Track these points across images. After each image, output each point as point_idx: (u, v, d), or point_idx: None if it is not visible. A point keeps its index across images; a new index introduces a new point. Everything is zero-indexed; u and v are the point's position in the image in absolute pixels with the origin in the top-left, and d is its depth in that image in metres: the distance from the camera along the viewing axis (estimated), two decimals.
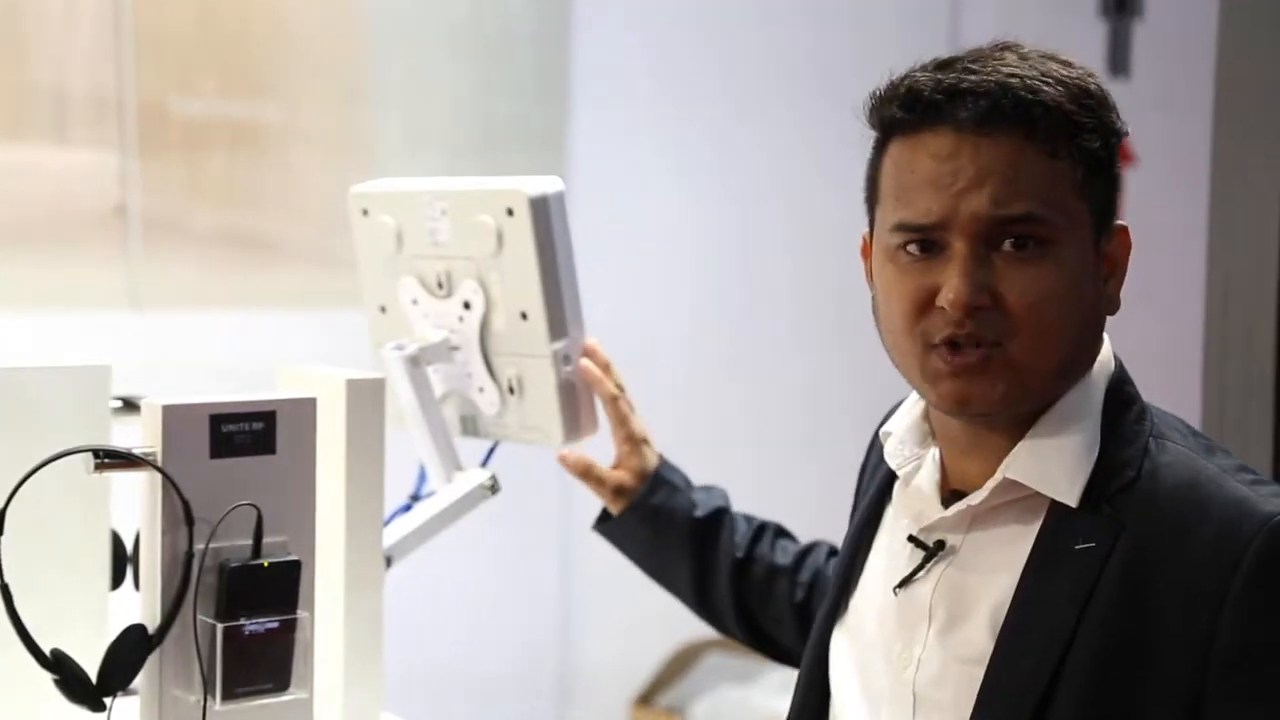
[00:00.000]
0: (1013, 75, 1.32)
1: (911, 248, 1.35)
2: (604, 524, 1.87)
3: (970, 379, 1.33)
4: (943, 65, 1.35)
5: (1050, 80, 1.32)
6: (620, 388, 1.85)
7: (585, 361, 1.83)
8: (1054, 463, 1.34)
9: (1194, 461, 1.33)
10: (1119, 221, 1.38)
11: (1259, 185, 1.99)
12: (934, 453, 1.43)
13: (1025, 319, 1.31)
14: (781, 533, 1.83)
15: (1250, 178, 2.00)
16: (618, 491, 1.84)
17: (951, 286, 1.31)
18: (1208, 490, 1.30)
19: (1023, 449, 1.35)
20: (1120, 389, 1.38)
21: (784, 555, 1.79)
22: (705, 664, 4.19)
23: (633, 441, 1.84)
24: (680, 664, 4.20)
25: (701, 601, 1.84)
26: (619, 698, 4.26)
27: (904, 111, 1.35)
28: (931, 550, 1.39)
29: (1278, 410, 1.98)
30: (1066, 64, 1.36)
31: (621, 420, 1.84)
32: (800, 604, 1.76)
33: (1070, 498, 1.33)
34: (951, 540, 1.39)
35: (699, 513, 1.82)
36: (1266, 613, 1.26)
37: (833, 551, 1.77)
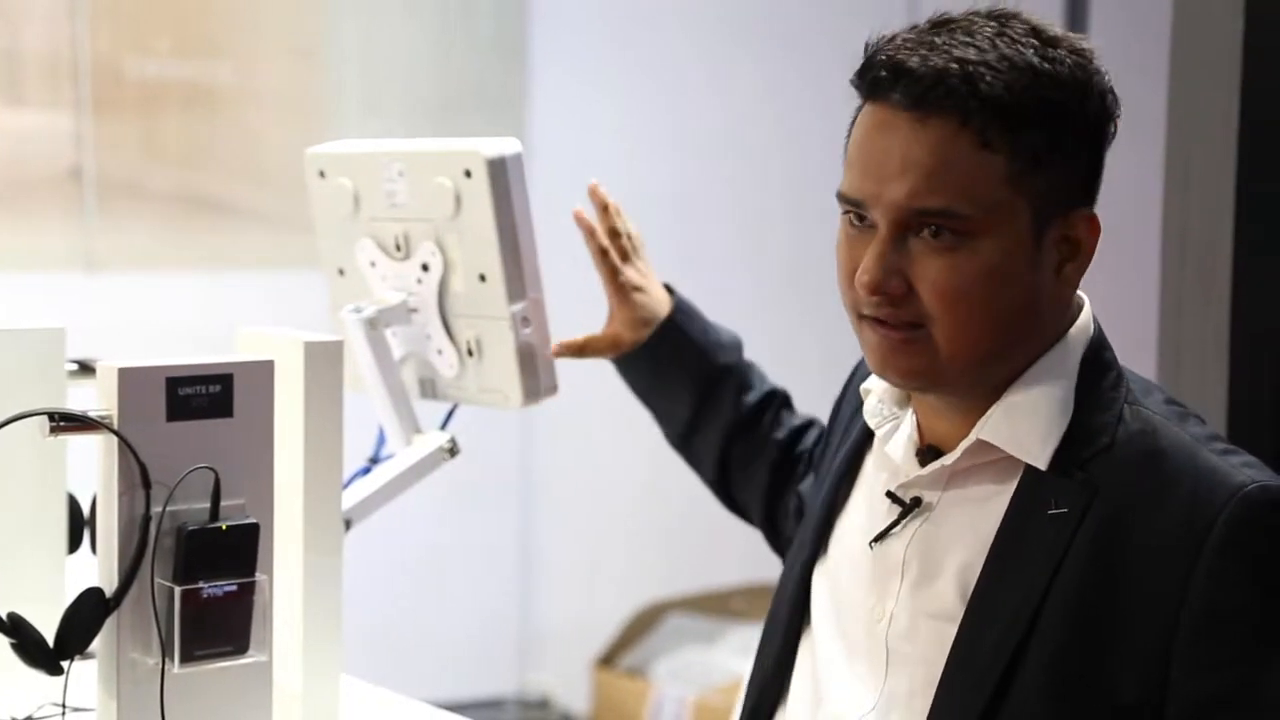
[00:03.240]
0: (961, 60, 1.30)
1: (851, 217, 1.36)
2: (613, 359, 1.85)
3: (893, 353, 1.35)
4: (925, 31, 1.34)
5: (1003, 67, 1.30)
6: (615, 232, 1.82)
7: (578, 209, 1.81)
8: (1026, 425, 1.35)
9: (1167, 429, 1.34)
10: (1085, 210, 1.36)
11: (1214, 143, 2.00)
12: (911, 411, 1.44)
13: (937, 309, 1.32)
14: (786, 403, 1.82)
15: (1205, 136, 2.01)
16: (614, 345, 1.82)
17: (865, 268, 1.33)
18: (1180, 459, 1.31)
19: (996, 411, 1.36)
20: (1098, 355, 1.39)
21: (781, 430, 1.79)
22: (667, 625, 4.20)
23: (622, 292, 1.82)
24: (641, 625, 4.21)
25: (685, 445, 1.85)
26: (580, 659, 4.27)
27: (858, 79, 1.36)
28: (908, 506, 1.41)
29: (1232, 369, 1.99)
30: (1050, 42, 1.33)
31: (611, 273, 1.82)
32: (779, 481, 1.77)
33: (1041, 460, 1.34)
34: (928, 497, 1.40)
35: (705, 367, 1.80)
36: (1235, 581, 1.27)
37: (821, 436, 1.76)
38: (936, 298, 1.32)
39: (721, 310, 4.42)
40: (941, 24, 1.35)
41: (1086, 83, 1.34)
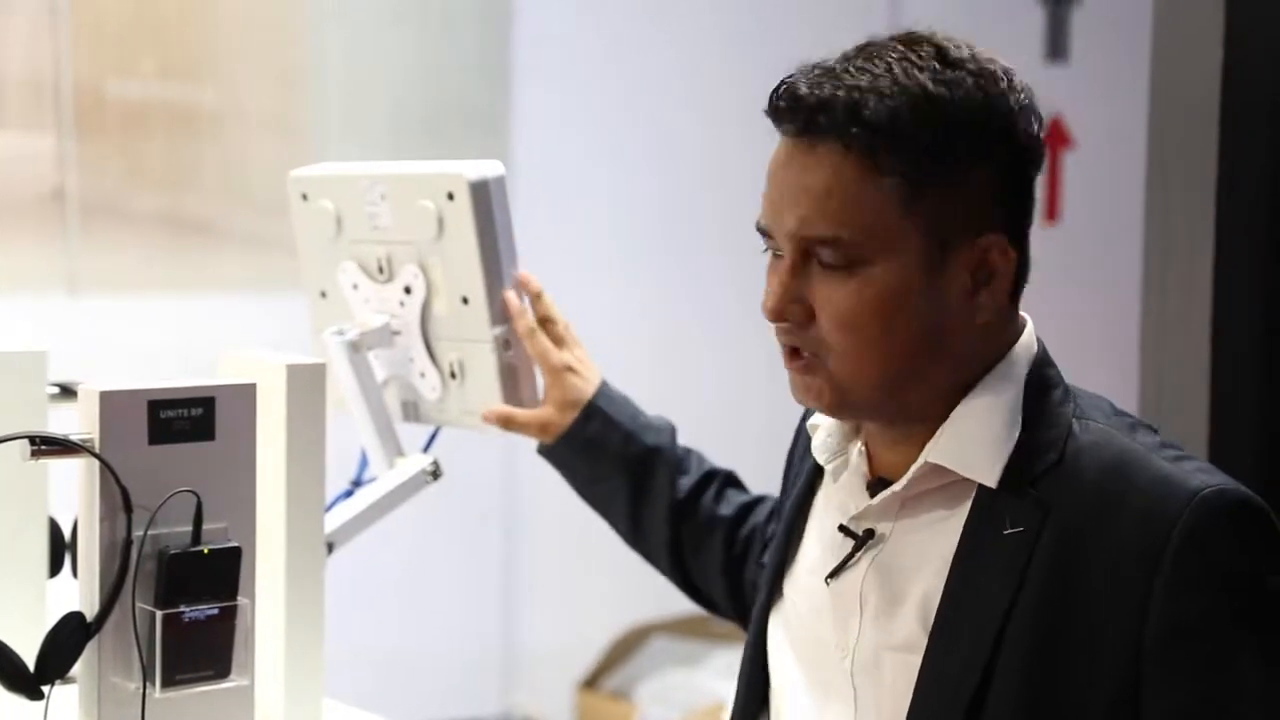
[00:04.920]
0: (850, 86, 1.30)
1: (772, 248, 1.38)
2: (544, 449, 1.84)
3: (803, 382, 1.37)
4: (837, 60, 1.34)
5: (892, 92, 1.30)
6: (548, 319, 1.82)
7: (509, 294, 1.80)
8: (974, 445, 1.34)
9: (1117, 440, 1.33)
10: (994, 236, 1.33)
11: (1194, 167, 2.01)
12: (859, 445, 1.43)
13: (833, 336, 1.33)
14: (731, 481, 1.80)
15: (1186, 160, 2.02)
16: (543, 428, 1.81)
17: (767, 293, 1.35)
18: (1132, 468, 1.30)
19: (944, 433, 1.35)
20: (1042, 373, 1.38)
21: (728, 506, 1.76)
22: (650, 647, 4.20)
23: (555, 373, 1.81)
24: (625, 647, 4.21)
25: (635, 536, 1.82)
26: (564, 681, 4.26)
27: (766, 109, 1.37)
28: (861, 539, 1.39)
29: (1213, 388, 2.00)
30: (953, 64, 1.31)
31: (541, 354, 1.81)
32: (735, 558, 1.74)
33: (990, 479, 1.33)
34: (881, 528, 1.39)
35: (634, 449, 1.78)
36: (1196, 588, 1.26)
37: (775, 510, 1.71)
38: (832, 325, 1.33)
39: (709, 328, 4.44)
40: (854, 53, 1.35)
41: (987, 104, 1.32)
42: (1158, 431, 1.38)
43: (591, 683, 4.18)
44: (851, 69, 1.32)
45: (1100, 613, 1.28)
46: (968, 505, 1.34)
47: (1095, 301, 3.44)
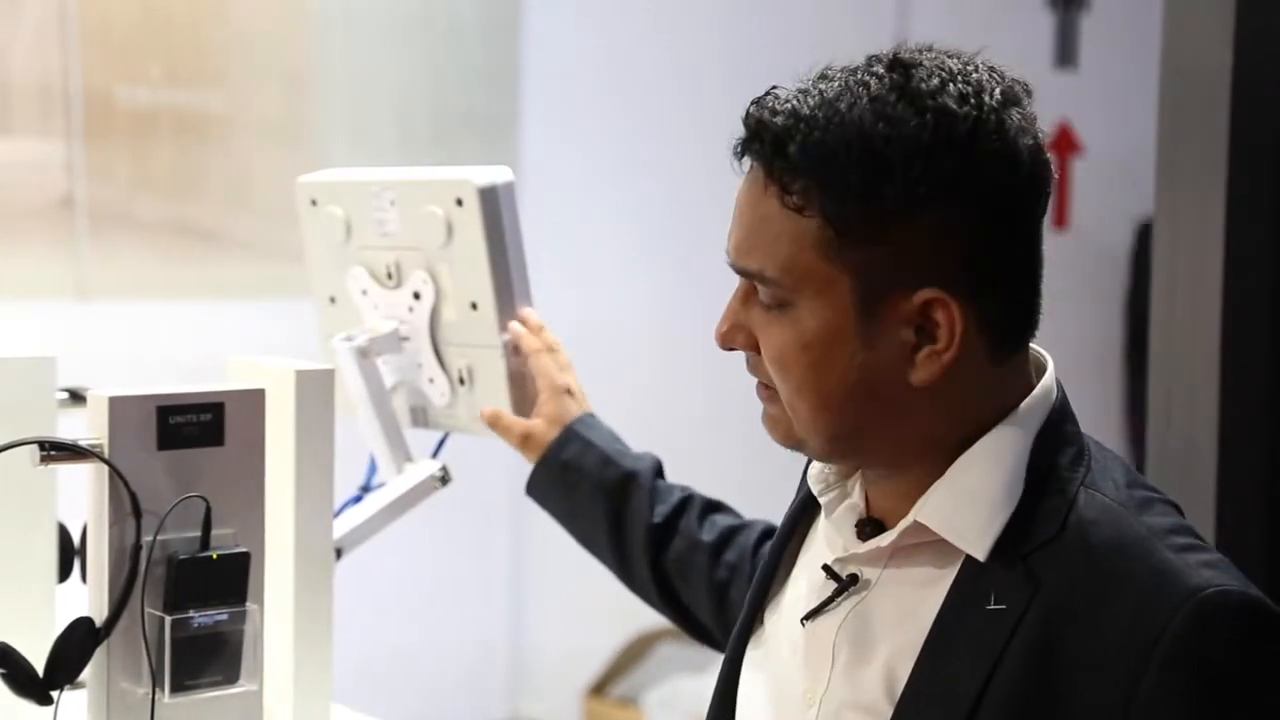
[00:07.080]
0: (788, 112, 1.22)
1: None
2: (528, 486, 1.81)
3: (765, 412, 1.30)
4: (816, 80, 1.25)
5: (824, 125, 1.20)
6: (551, 349, 1.80)
7: (514, 324, 1.80)
8: (967, 509, 1.23)
9: (1123, 520, 1.21)
10: (934, 292, 1.20)
11: (1204, 175, 2.01)
12: (858, 479, 1.33)
13: (771, 373, 1.27)
14: (715, 507, 1.72)
15: (1195, 168, 2.02)
16: (525, 439, 1.78)
17: (721, 319, 1.29)
18: (1132, 555, 1.19)
19: (938, 489, 1.24)
20: (1058, 428, 1.26)
21: (710, 531, 1.69)
22: (658, 654, 4.20)
23: (554, 392, 1.78)
24: (633, 654, 4.21)
25: (623, 569, 1.76)
26: (572, 688, 4.26)
27: None
28: (844, 583, 1.29)
29: (1223, 395, 2.00)
30: (910, 98, 1.19)
31: (545, 372, 1.78)
32: (720, 583, 1.66)
33: (980, 551, 1.22)
34: (866, 574, 1.29)
35: (611, 473, 1.73)
36: (1184, 696, 1.14)
37: (767, 532, 1.66)
38: (767, 361, 1.26)
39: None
40: (821, 74, 1.25)
41: (934, 148, 1.18)
42: (1179, 508, 1.26)
43: (599, 689, 4.18)
44: (803, 93, 1.23)
45: (1079, 709, 1.16)
46: (958, 566, 1.24)
47: (1106, 308, 3.43)
